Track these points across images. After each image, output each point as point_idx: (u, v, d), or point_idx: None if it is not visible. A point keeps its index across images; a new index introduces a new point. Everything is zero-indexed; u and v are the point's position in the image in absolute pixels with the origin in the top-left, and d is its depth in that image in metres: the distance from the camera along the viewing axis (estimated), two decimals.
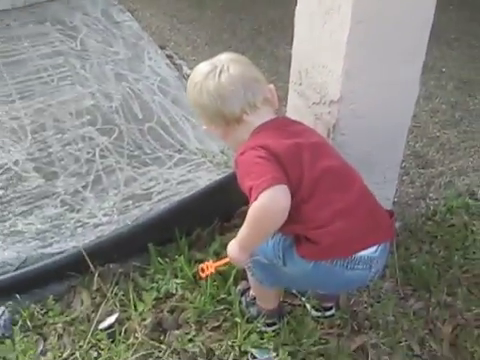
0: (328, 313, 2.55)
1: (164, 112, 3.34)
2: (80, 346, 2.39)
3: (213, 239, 2.78)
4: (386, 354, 2.46)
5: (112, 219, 2.78)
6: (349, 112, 2.41)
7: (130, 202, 2.85)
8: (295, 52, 2.56)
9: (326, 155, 2.10)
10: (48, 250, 2.65)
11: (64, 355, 2.37)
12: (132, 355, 2.35)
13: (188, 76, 3.76)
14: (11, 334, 2.42)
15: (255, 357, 2.40)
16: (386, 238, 2.10)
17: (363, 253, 2.01)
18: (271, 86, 2.21)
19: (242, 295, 2.59)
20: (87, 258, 2.58)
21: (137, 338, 2.41)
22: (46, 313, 2.50)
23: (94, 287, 2.58)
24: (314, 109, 2.52)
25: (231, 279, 2.60)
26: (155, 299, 2.55)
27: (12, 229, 2.73)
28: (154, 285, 2.60)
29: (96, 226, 2.75)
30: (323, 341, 2.46)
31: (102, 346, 2.40)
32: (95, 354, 2.38)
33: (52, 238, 2.69)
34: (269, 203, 1.87)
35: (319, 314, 2.54)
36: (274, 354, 2.40)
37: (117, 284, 2.60)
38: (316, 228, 1.97)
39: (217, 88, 2.07)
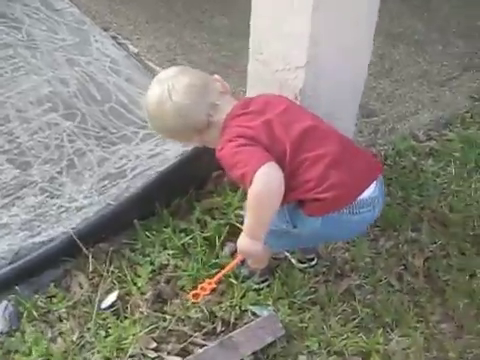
0: (312, 263, 2.46)
1: (120, 91, 3.07)
2: (88, 328, 2.21)
3: (192, 207, 2.61)
4: (370, 293, 2.41)
5: (93, 201, 2.54)
6: (313, 76, 2.28)
7: (107, 182, 2.61)
8: (254, 23, 2.38)
9: (295, 119, 1.97)
10: (37, 239, 2.39)
11: (74, 339, 2.18)
12: (140, 330, 2.19)
13: (135, 54, 3.58)
14: (18, 326, 2.20)
15: (255, 313, 2.30)
16: (377, 173, 2.00)
17: (364, 195, 1.92)
18: (216, 76, 2.09)
19: (231, 256, 2.46)
20: (78, 242, 2.39)
21: (142, 312, 2.25)
22: (49, 301, 2.30)
23: (90, 268, 2.38)
24: (278, 76, 2.36)
25: (218, 243, 2.47)
26: (150, 272, 2.39)
27: None
28: (147, 259, 2.42)
29: (79, 209, 2.51)
30: (313, 289, 2.39)
31: (109, 324, 2.23)
32: (104, 333, 2.19)
33: (39, 226, 2.43)
34: (264, 183, 1.76)
35: (305, 265, 2.45)
36: (272, 308, 2.31)
37: (111, 262, 2.40)
38: (315, 187, 1.86)
39: (176, 109, 1.96)
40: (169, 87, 1.95)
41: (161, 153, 2.76)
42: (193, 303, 2.24)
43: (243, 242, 1.94)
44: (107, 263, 2.40)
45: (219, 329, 2.25)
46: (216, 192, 2.69)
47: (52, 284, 2.32)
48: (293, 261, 2.45)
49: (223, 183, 2.69)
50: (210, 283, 2.10)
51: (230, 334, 2.18)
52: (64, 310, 2.26)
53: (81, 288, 2.34)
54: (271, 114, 1.96)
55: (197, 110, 1.97)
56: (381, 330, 2.27)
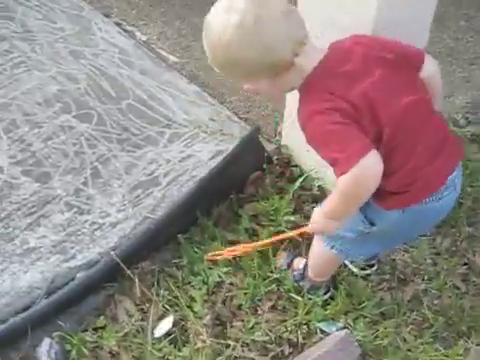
0: (374, 268, 2.26)
1: (136, 86, 2.77)
2: None
3: (236, 214, 2.37)
4: (437, 297, 2.23)
5: (128, 214, 2.28)
6: None
7: (139, 191, 2.35)
8: None
9: (396, 89, 1.64)
10: (73, 263, 2.14)
11: None
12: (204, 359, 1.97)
13: (144, 42, 3.26)
14: None
15: (324, 331, 2.09)
16: (461, 156, 1.76)
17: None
18: None
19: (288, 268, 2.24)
20: (121, 263, 2.12)
21: (204, 341, 2.01)
22: (96, 333, 2.04)
23: (138, 293, 2.13)
24: None
25: (271, 256, 2.24)
26: (205, 293, 2.15)
27: (25, 247, 2.17)
28: (199, 278, 2.18)
29: (113, 225, 2.25)
30: (379, 299, 2.19)
31: (167, 356, 1.99)
32: None
33: (72, 248, 2.17)
34: (362, 175, 1.51)
35: (367, 272, 2.25)
36: (341, 324, 2.10)
37: (158, 284, 2.16)
38: (403, 178, 1.63)
39: (260, 38, 1.52)
40: (255, 12, 1.52)
41: (193, 155, 2.50)
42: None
43: (321, 221, 1.73)
44: (155, 285, 2.15)
45: (287, 351, 2.05)
46: (258, 196, 2.44)
47: (96, 313, 2.08)
48: (355, 270, 2.24)
49: (265, 185, 2.45)
50: (245, 249, 2.04)
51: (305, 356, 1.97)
52: (115, 343, 2.01)
53: (130, 316, 2.10)
54: (369, 80, 1.61)
55: (284, 44, 1.56)
56: (459, 340, 2.10)
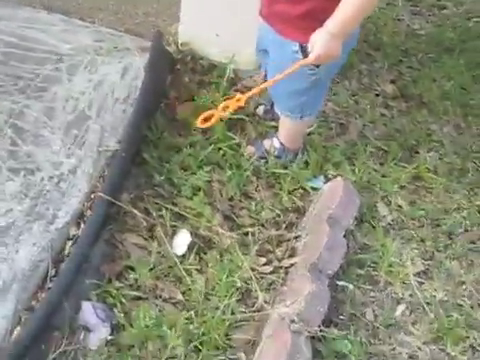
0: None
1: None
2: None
3: (174, 120, 2.38)
4: (375, 129, 2.54)
5: (80, 155, 2.12)
6: None
7: (75, 131, 2.18)
8: None
9: None
10: (59, 222, 1.95)
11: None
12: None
13: None
14: (113, 323, 1.84)
15: (315, 188, 2.26)
16: None
17: None
18: None
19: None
20: (117, 202, 2.01)
21: (231, 237, 2.05)
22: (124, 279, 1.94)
23: (141, 222, 2.05)
24: None
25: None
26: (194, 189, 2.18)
27: None
28: (185, 187, 2.16)
29: (73, 171, 2.08)
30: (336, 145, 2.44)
31: (203, 267, 2.00)
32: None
33: (47, 209, 1.97)
34: None
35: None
36: (323, 178, 2.30)
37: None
38: None
39: None
40: None
41: (103, 79, 2.38)
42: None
43: (327, 43, 1.71)
44: (149, 210, 2.10)
45: (294, 217, 2.20)
46: (182, 97, 2.45)
47: (109, 260, 1.96)
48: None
49: (186, 83, 2.48)
50: (239, 100, 1.84)
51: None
52: (151, 281, 1.94)
53: (141, 248, 2.02)
54: None
55: None
56: (414, 154, 2.43)
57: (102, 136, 2.22)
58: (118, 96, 2.34)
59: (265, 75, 2.22)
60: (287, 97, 2.04)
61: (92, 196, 2.06)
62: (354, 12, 1.67)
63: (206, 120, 1.80)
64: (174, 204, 2.13)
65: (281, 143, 2.28)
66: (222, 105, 1.83)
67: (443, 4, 3.27)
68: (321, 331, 1.83)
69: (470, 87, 2.71)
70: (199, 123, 1.80)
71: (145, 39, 2.58)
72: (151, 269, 1.95)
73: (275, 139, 2.31)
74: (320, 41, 1.71)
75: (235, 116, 2.29)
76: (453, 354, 1.86)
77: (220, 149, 2.28)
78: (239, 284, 1.93)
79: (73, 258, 1.90)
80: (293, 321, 1.80)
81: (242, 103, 1.83)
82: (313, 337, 1.81)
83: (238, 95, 1.84)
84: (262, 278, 1.99)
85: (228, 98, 1.90)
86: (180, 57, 2.52)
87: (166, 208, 2.10)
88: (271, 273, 2.01)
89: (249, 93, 1.84)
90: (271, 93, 2.16)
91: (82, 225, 1.99)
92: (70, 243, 1.95)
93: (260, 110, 2.47)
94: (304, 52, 1.79)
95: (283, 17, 1.82)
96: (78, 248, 1.92)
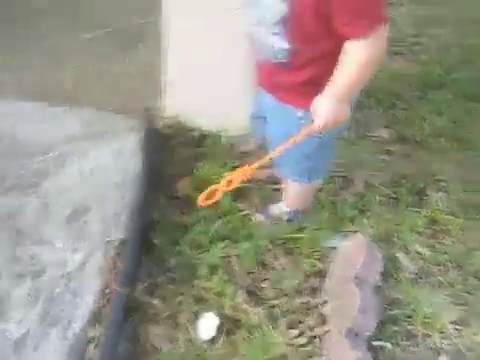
0: None
1: None
2: None
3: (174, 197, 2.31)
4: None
5: (87, 248, 2.03)
6: None
7: (76, 224, 2.10)
8: None
9: None
10: (76, 326, 1.84)
11: None
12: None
13: None
14: None
15: (333, 247, 2.19)
16: None
17: None
18: None
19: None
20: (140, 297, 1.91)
21: (257, 314, 1.95)
22: None
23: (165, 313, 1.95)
24: None
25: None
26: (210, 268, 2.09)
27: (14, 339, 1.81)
28: (202, 266, 2.07)
29: (80, 268, 1.97)
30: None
31: (233, 349, 1.88)
32: None
33: (62, 311, 1.87)
34: (383, 38, 1.57)
35: None
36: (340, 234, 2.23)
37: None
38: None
39: None
40: None
41: (96, 165, 2.31)
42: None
43: (332, 107, 1.63)
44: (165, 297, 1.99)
45: (317, 281, 2.10)
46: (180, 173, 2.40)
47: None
48: None
49: (181, 159, 2.41)
50: (244, 172, 1.72)
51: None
52: None
53: (167, 340, 1.92)
54: None
55: None
56: None
57: (105, 227, 2.14)
58: (114, 182, 2.27)
59: (262, 143, 2.17)
60: (295, 162, 1.97)
61: (106, 291, 1.96)
62: (359, 73, 1.61)
63: (208, 197, 1.72)
64: (192, 287, 2.03)
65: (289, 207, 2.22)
66: (227, 179, 1.74)
67: (419, 41, 3.30)
68: None
69: (463, 120, 2.70)
70: (201, 202, 1.70)
71: (131, 116, 2.54)
72: None
73: (279, 204, 2.25)
74: (326, 107, 1.63)
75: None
76: None
77: (228, 222, 2.22)
78: None
79: None
80: None
81: (248, 176, 1.74)
82: None
83: (244, 167, 1.74)
84: (297, 351, 1.90)
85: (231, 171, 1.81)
86: (170, 132, 2.47)
87: (182, 293, 2.01)
88: (306, 344, 1.92)
89: (255, 164, 1.75)
90: (277, 160, 2.09)
91: (101, 325, 1.88)
92: (92, 346, 1.85)
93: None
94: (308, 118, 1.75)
95: (286, 86, 1.78)
96: (102, 351, 1.81)
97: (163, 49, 2.41)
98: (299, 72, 1.72)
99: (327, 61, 1.63)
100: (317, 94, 1.65)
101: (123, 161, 2.34)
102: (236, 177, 1.72)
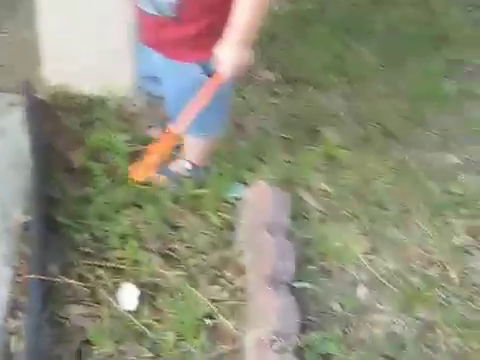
0: None
1: None
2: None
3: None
4: None
5: None
6: None
7: None
8: None
9: None
10: None
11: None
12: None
13: None
14: None
15: (237, 197, 2.21)
16: None
17: None
18: None
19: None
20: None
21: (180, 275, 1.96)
22: None
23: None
24: None
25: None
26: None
27: None
28: (112, 238, 2.03)
29: None
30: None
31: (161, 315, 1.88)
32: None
33: None
34: None
35: None
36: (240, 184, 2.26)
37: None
38: None
39: None
40: None
41: None
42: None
43: (237, 54, 1.68)
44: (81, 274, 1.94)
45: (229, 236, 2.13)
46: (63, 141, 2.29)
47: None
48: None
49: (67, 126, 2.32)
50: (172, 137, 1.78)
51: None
52: (112, 348, 1.79)
53: (86, 316, 1.87)
54: None
55: None
56: None
57: (3, 212, 2.02)
58: (3, 164, 2.14)
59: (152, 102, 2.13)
60: (201, 118, 1.90)
61: (18, 280, 1.88)
62: (255, 16, 1.63)
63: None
64: (106, 259, 1.99)
65: (192, 163, 2.20)
66: (158, 152, 1.74)
67: None
68: (300, 339, 1.80)
69: (344, 55, 2.77)
70: (135, 177, 1.67)
71: (9, 92, 2.38)
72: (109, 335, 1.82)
73: (184, 161, 2.22)
74: (231, 55, 1.66)
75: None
76: (428, 319, 1.91)
77: (131, 188, 2.17)
78: (205, 321, 1.85)
79: (22, 354, 1.73)
80: (274, 341, 1.76)
81: (178, 140, 1.75)
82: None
83: (167, 132, 1.75)
84: (222, 305, 1.93)
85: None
86: (55, 103, 2.35)
87: (100, 266, 1.97)
88: (230, 298, 1.95)
89: (181, 126, 1.75)
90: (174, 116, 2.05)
91: (20, 315, 1.81)
92: (15, 338, 1.78)
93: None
94: (208, 71, 1.72)
95: (176, 42, 1.73)
96: (27, 342, 1.75)
97: (37, 16, 2.27)
98: (189, 26, 1.69)
99: (217, 11, 1.64)
100: (211, 45, 1.66)
101: (9, 141, 2.20)
102: (164, 144, 1.78)
